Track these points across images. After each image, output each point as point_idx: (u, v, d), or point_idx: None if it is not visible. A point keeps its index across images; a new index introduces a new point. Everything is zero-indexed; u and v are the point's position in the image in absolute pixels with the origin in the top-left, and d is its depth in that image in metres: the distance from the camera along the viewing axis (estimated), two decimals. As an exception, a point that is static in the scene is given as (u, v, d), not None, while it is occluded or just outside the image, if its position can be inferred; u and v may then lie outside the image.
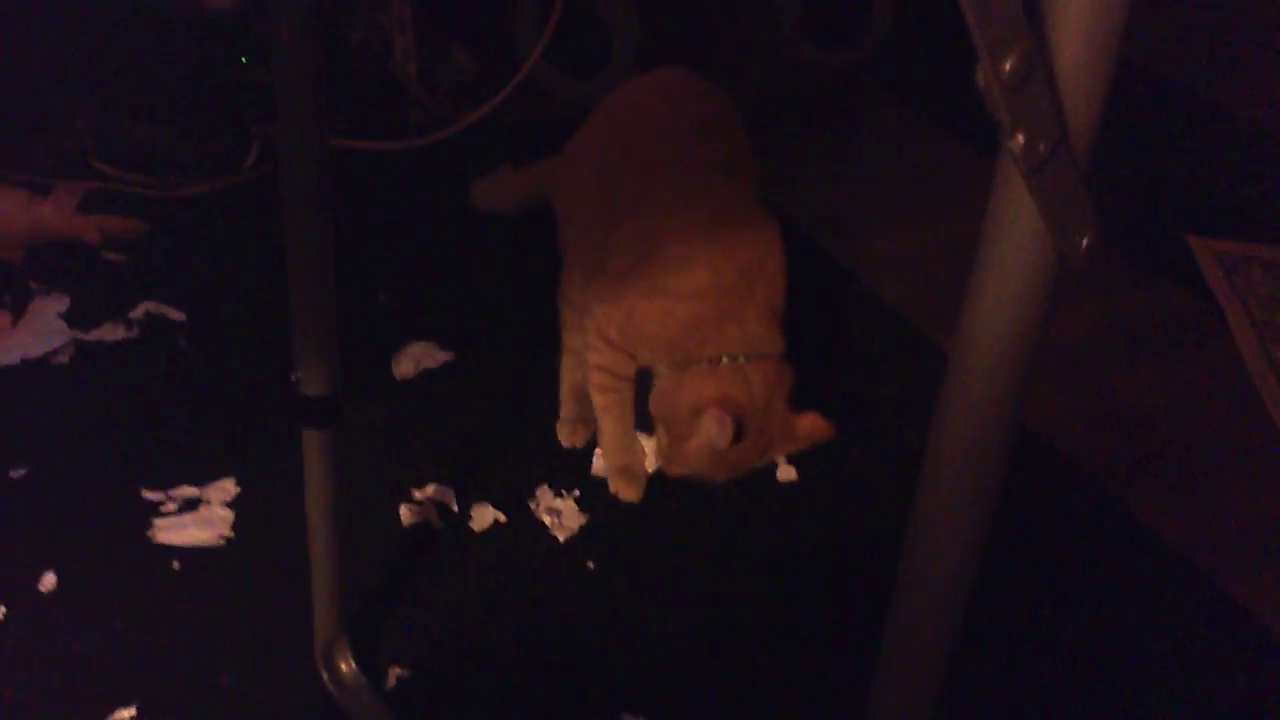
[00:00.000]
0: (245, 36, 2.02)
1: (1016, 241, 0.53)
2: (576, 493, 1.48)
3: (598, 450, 1.54)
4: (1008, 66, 0.47)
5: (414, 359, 1.66)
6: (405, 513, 1.44)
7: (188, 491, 1.44)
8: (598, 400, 1.47)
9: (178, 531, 1.39)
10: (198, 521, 1.40)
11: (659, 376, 1.42)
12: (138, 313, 1.70)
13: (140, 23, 2.01)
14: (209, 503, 1.43)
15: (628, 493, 1.49)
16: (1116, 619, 1.39)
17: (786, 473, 1.54)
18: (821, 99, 2.46)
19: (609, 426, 1.48)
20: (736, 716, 1.25)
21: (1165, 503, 1.54)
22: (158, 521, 1.39)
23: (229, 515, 1.41)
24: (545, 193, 1.63)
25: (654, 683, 1.27)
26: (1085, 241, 0.53)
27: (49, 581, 1.31)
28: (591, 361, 1.45)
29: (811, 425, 1.38)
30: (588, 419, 1.57)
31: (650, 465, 1.51)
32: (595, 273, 1.47)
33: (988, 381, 0.59)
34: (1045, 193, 0.51)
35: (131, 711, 1.19)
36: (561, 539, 1.42)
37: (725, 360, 1.36)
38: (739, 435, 1.32)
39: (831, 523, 1.48)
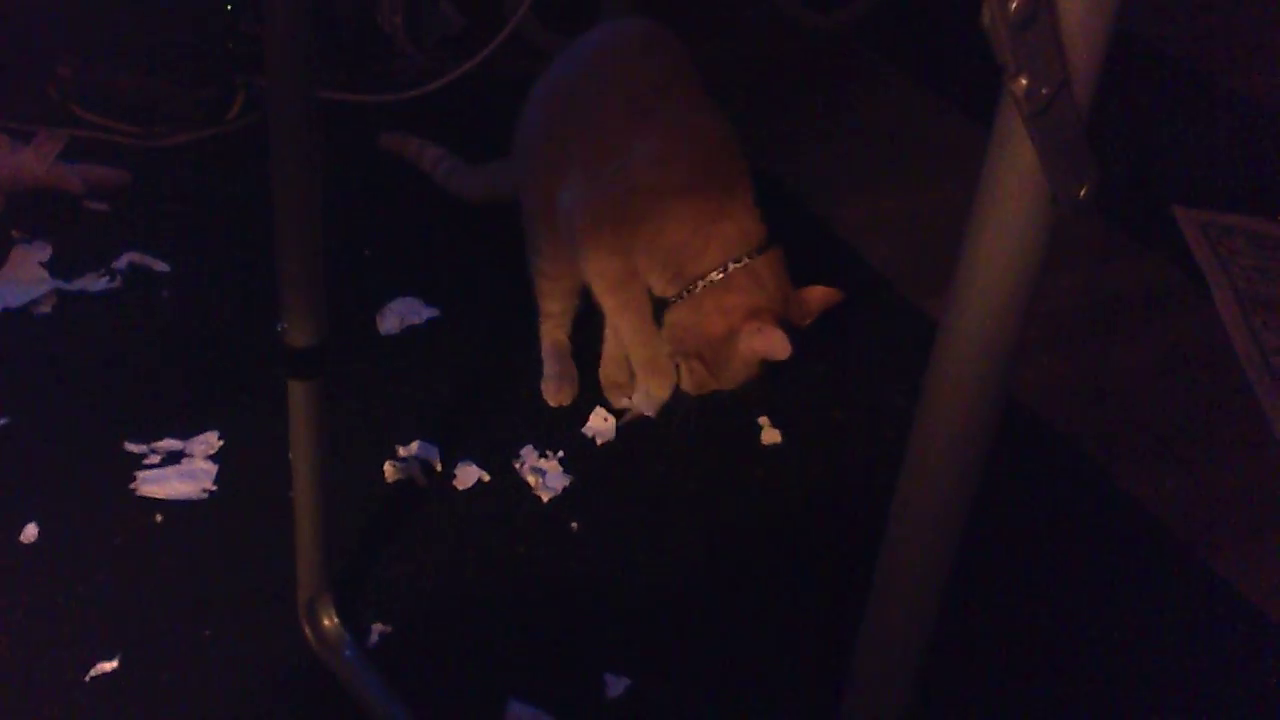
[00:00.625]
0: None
1: (1014, 189, 0.53)
2: (561, 453, 1.48)
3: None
4: (1014, 5, 0.47)
5: (399, 315, 1.65)
6: (389, 469, 1.43)
7: (171, 444, 1.43)
8: (610, 302, 1.45)
9: (161, 484, 1.38)
10: (181, 474, 1.40)
11: (669, 309, 1.42)
12: (121, 263, 1.68)
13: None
14: (192, 455, 1.42)
15: (661, 386, 1.47)
16: (1097, 586, 1.40)
17: (771, 435, 1.54)
18: (813, 62, 2.45)
19: (629, 321, 1.46)
20: (719, 677, 1.25)
21: (1147, 471, 1.55)
22: (140, 474, 1.39)
23: (212, 468, 1.40)
24: (503, 186, 1.70)
25: (637, 644, 1.27)
26: (1084, 190, 0.53)
27: (30, 533, 1.31)
28: (592, 271, 1.44)
29: (822, 295, 1.43)
30: (571, 376, 1.56)
31: (649, 407, 1.52)
32: (565, 190, 1.48)
33: (983, 333, 0.58)
34: (1046, 137, 0.51)
35: (114, 664, 1.19)
36: (545, 499, 1.42)
37: (731, 266, 1.37)
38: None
39: (816, 485, 1.48)
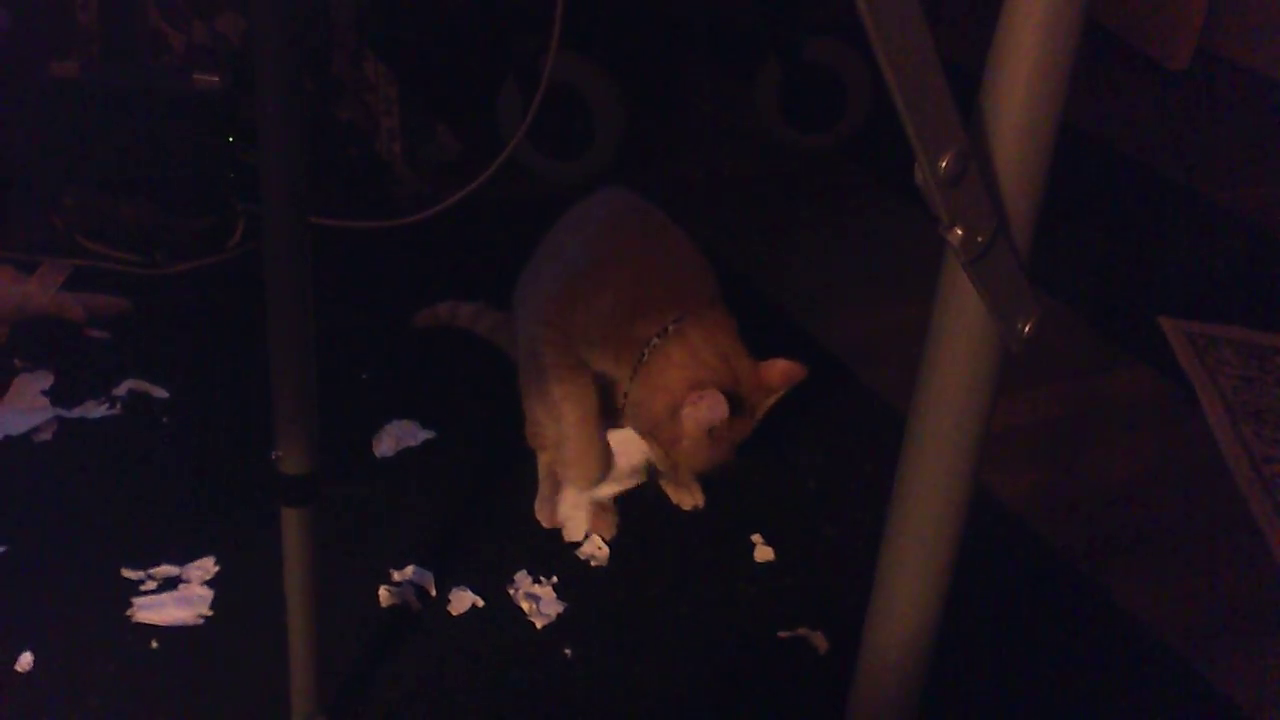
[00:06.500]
0: (232, 115, 2.05)
1: (963, 326, 0.55)
2: (555, 579, 1.48)
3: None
4: (944, 164, 0.49)
5: (395, 437, 1.67)
6: (384, 594, 1.44)
7: (167, 570, 1.44)
8: (556, 391, 1.47)
9: (157, 610, 1.39)
10: (177, 600, 1.41)
11: (627, 393, 1.44)
12: (121, 390, 1.71)
13: (128, 101, 2.04)
14: (189, 581, 1.43)
15: (580, 481, 1.49)
16: (1089, 698, 1.39)
17: (764, 553, 1.55)
18: (801, 180, 2.50)
19: (568, 413, 1.47)
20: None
21: (1138, 582, 1.55)
22: (137, 600, 1.40)
23: (208, 594, 1.41)
24: (496, 343, 1.80)
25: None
26: (1027, 327, 0.55)
27: (26, 661, 1.31)
28: (547, 363, 1.47)
29: (782, 371, 1.41)
30: (567, 497, 1.58)
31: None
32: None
33: (941, 456, 0.60)
34: (986, 281, 0.54)
35: (105, 792, 1.19)
36: (539, 626, 1.42)
37: (671, 328, 1.40)
38: (733, 405, 1.35)
39: (811, 604, 1.49)
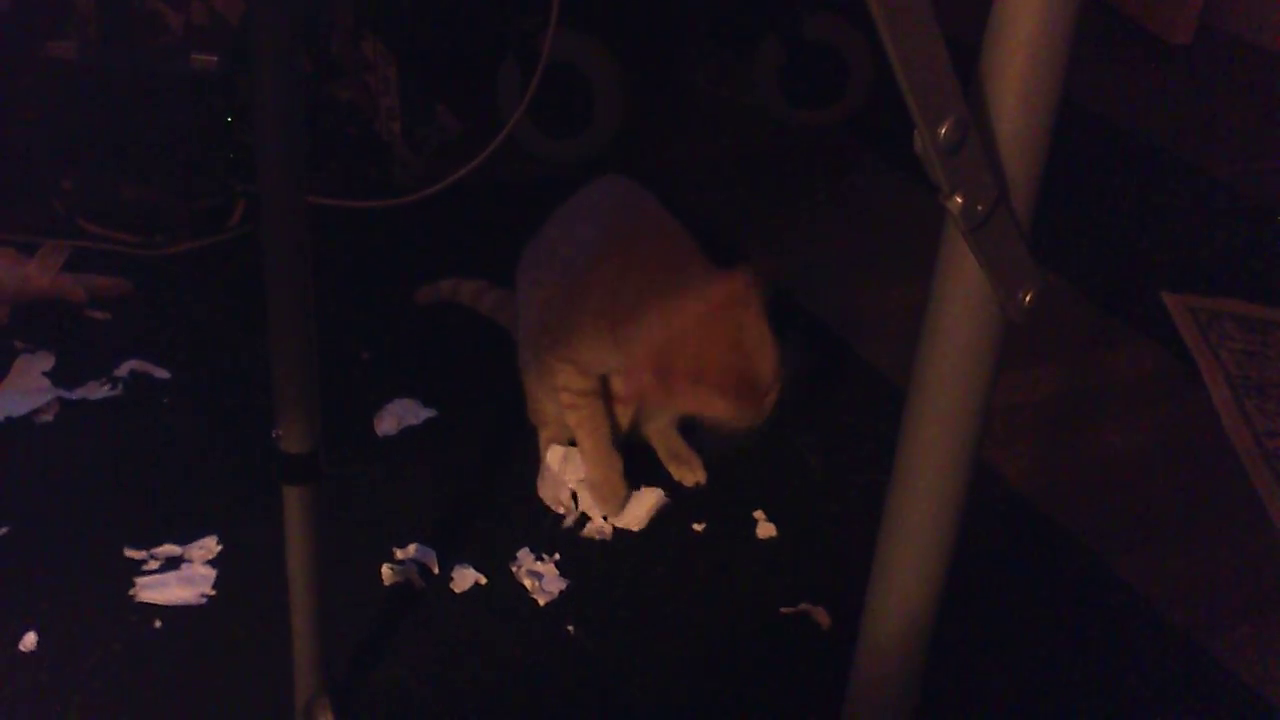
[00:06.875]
0: (231, 96, 2.05)
1: (963, 296, 0.55)
2: (557, 556, 1.48)
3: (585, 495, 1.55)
4: (943, 132, 0.49)
5: (396, 416, 1.67)
6: (387, 572, 1.44)
7: (170, 549, 1.44)
8: (570, 419, 1.52)
9: (160, 590, 1.39)
10: (180, 580, 1.41)
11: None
12: (122, 371, 1.71)
13: (126, 82, 2.03)
14: (191, 561, 1.43)
15: (607, 505, 1.52)
16: (1092, 674, 1.39)
17: (766, 529, 1.55)
18: (802, 158, 2.49)
19: (584, 440, 1.53)
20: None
21: (1142, 558, 1.55)
22: (140, 580, 1.40)
23: (211, 573, 1.41)
24: (498, 321, 1.81)
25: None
26: (1028, 297, 0.55)
27: (29, 641, 1.32)
28: (559, 385, 1.51)
29: (771, 370, 1.36)
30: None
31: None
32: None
33: (941, 429, 0.60)
34: (986, 250, 0.53)
35: (110, 771, 1.19)
36: (542, 603, 1.42)
37: (650, 299, 1.38)
38: (665, 377, 1.33)
39: (814, 580, 1.49)
